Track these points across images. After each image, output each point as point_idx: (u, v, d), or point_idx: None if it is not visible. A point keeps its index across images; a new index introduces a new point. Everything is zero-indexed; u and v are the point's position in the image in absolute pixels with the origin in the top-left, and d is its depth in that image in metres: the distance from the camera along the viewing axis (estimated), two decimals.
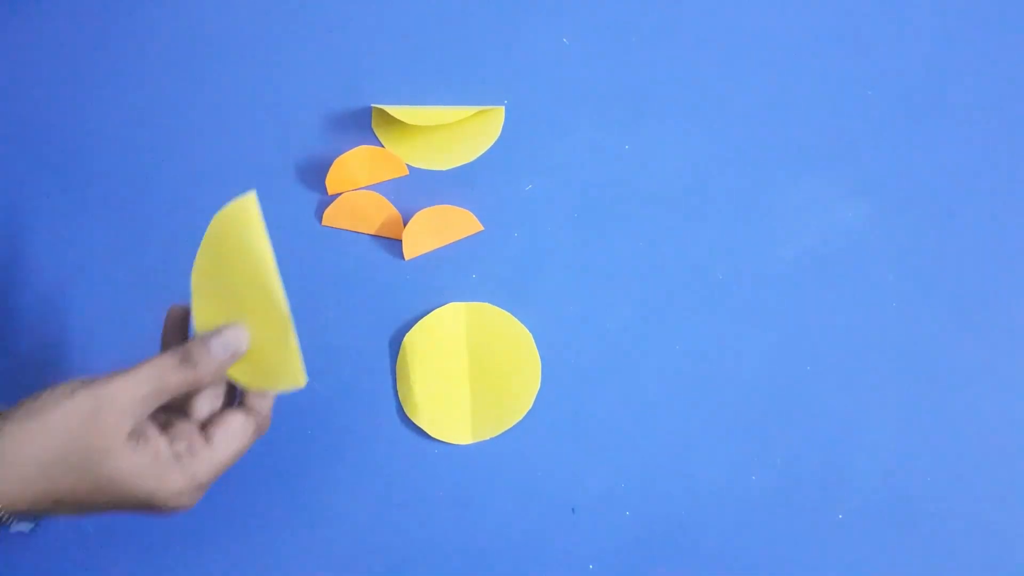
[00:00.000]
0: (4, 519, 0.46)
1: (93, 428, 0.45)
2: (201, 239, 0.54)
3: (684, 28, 0.67)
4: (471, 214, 0.65)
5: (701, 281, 0.65)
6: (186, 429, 0.49)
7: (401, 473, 0.63)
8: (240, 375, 0.51)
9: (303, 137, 0.66)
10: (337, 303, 0.64)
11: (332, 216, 0.65)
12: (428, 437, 0.63)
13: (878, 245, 0.65)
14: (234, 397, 0.53)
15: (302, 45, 0.67)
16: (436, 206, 0.65)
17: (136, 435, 0.47)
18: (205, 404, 0.51)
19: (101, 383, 0.46)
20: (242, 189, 0.65)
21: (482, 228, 0.65)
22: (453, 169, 0.66)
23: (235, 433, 0.49)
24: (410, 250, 0.64)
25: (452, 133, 0.66)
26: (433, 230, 0.65)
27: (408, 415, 0.63)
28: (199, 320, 0.51)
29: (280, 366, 0.50)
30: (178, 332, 0.52)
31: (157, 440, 0.47)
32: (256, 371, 0.51)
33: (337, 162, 0.65)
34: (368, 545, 0.62)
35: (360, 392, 0.63)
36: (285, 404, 0.63)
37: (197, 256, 0.52)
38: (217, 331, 0.50)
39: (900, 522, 0.62)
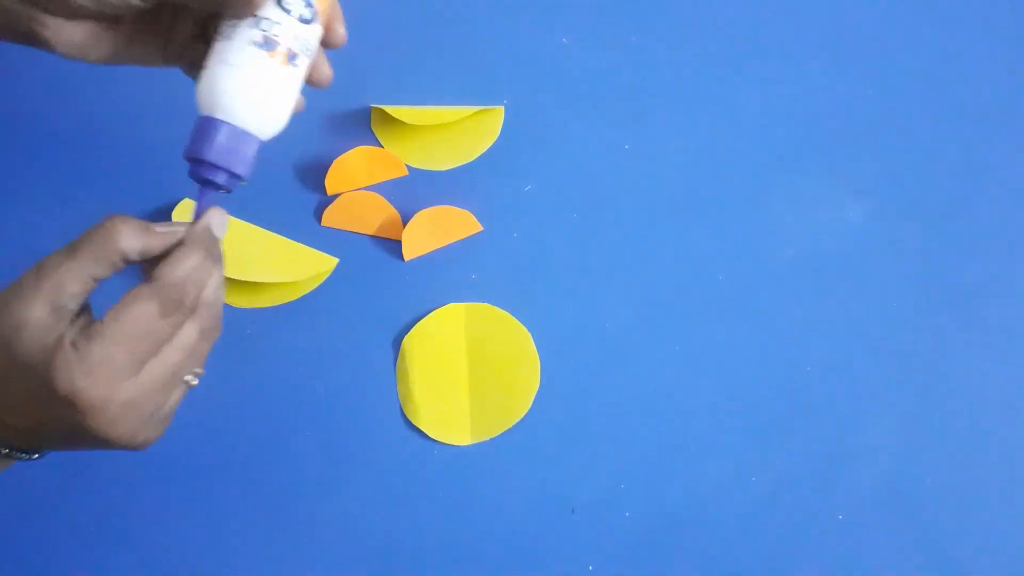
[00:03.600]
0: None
1: (13, 302, 0.44)
2: None
3: (684, 28, 0.67)
4: (471, 214, 0.65)
5: (701, 281, 0.65)
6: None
7: (401, 473, 0.63)
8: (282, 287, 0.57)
9: (302, 137, 0.66)
10: (337, 304, 0.64)
11: (332, 216, 0.65)
12: (428, 437, 0.63)
13: (878, 245, 0.65)
14: None
15: None
16: (436, 207, 0.65)
17: (57, 315, 0.44)
18: None
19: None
20: (241, 190, 0.65)
21: (482, 228, 0.65)
22: (453, 169, 0.66)
23: (124, 302, 0.44)
24: (410, 250, 0.64)
25: (451, 133, 0.66)
26: (433, 230, 0.65)
27: (408, 416, 0.63)
28: None
29: (309, 262, 0.55)
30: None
31: (68, 324, 0.44)
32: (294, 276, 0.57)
33: (336, 163, 0.65)
34: (368, 545, 0.62)
35: (360, 393, 0.63)
36: (285, 405, 0.63)
37: None
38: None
39: (900, 522, 0.62)
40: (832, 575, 0.62)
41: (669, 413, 0.63)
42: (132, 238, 0.45)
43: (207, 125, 0.45)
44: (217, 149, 0.45)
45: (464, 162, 0.66)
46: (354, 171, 0.65)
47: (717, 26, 0.67)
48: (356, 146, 0.65)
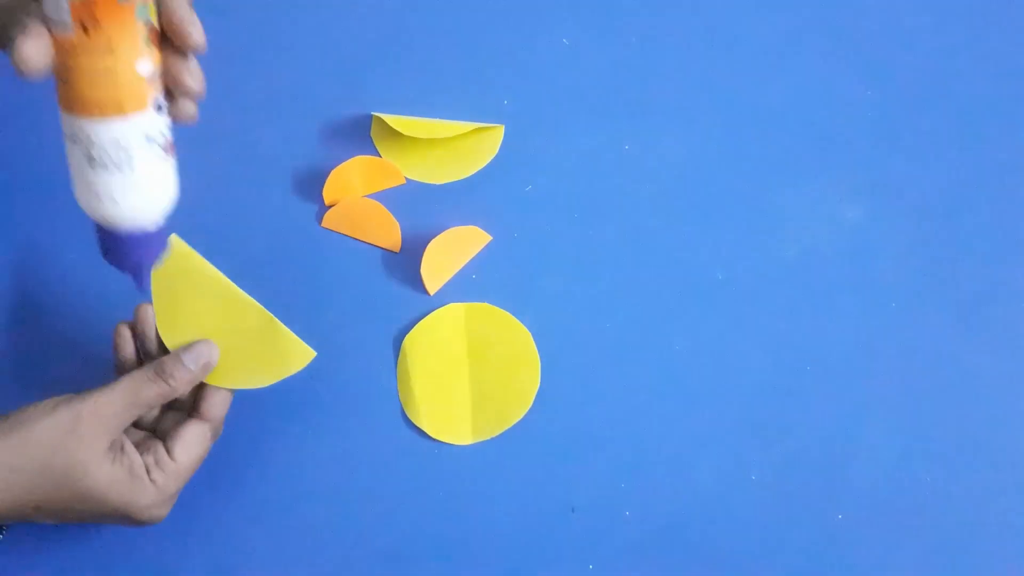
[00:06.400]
0: None
1: (74, 442, 0.49)
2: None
3: (684, 28, 0.67)
4: (479, 228, 0.65)
5: (701, 281, 0.65)
6: (152, 443, 0.54)
7: (401, 473, 0.63)
8: (249, 379, 0.57)
9: (303, 144, 0.67)
10: (337, 304, 0.65)
11: (332, 220, 0.66)
12: (428, 437, 0.63)
13: (878, 245, 0.65)
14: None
15: (302, 51, 0.68)
16: (445, 232, 0.64)
17: (114, 448, 0.51)
18: (168, 419, 0.56)
19: (80, 399, 0.51)
20: (242, 194, 0.66)
21: (491, 238, 0.65)
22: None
23: (193, 443, 0.54)
24: (432, 283, 0.64)
25: (450, 148, 0.66)
26: (449, 256, 0.65)
27: (408, 415, 0.63)
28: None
29: (285, 352, 0.57)
30: (128, 345, 0.57)
31: (133, 454, 0.52)
32: (264, 367, 0.57)
33: (334, 173, 0.65)
34: (368, 545, 0.62)
35: (360, 393, 0.64)
36: (286, 405, 0.64)
37: (156, 317, 0.56)
38: (188, 346, 0.55)
39: (900, 522, 0.62)
40: (832, 575, 0.61)
41: (669, 412, 0.63)
42: (153, 391, 0.52)
43: (121, 239, 0.45)
44: (140, 251, 0.46)
45: (460, 177, 0.66)
46: (352, 181, 0.66)
47: (717, 26, 0.67)
48: (355, 155, 0.66)
